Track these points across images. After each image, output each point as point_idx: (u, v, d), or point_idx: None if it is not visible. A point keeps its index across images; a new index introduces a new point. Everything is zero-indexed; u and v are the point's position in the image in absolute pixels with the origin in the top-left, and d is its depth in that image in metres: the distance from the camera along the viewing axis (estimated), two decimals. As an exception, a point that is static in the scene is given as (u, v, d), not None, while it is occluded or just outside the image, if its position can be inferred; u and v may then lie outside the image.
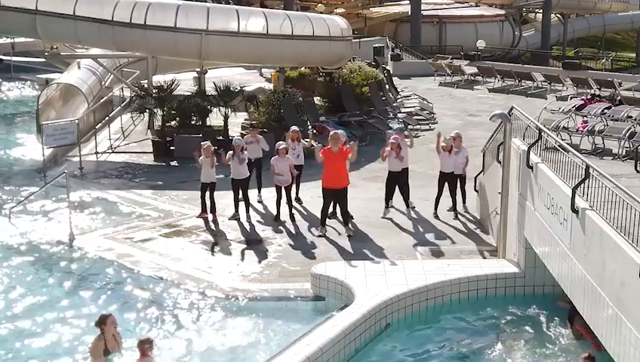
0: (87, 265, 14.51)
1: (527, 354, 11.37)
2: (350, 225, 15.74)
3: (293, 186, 17.23)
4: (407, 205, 16.73)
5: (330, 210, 15.99)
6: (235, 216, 16.51)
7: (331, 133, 16.05)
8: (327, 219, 15.87)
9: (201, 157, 16.49)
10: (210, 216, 16.53)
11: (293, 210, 16.70)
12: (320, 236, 15.47)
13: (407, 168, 16.84)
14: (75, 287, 13.60)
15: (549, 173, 11.82)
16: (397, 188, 16.68)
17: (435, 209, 16.57)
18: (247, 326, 12.17)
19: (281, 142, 16.77)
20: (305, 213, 16.97)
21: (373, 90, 26.12)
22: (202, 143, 16.73)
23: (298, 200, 17.54)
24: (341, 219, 15.99)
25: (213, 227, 16.23)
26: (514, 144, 13.57)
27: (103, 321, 11.03)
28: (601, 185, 10.09)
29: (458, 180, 16.71)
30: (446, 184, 16.62)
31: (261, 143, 17.69)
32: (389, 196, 16.72)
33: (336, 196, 15.61)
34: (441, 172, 16.63)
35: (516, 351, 11.49)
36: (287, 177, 16.38)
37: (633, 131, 19.45)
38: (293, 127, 18.06)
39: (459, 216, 16.57)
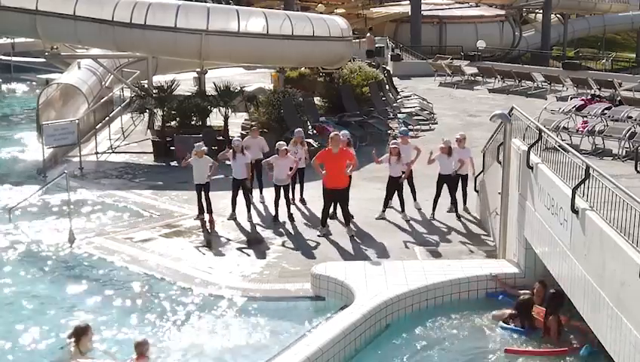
0: (87, 266, 14.51)
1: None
2: (352, 226, 15.74)
3: (295, 187, 17.24)
4: (403, 208, 16.70)
5: (331, 210, 16.01)
6: (233, 216, 16.50)
7: (331, 134, 16.07)
8: (328, 220, 15.88)
9: (190, 158, 16.41)
10: (206, 217, 16.51)
11: (296, 210, 16.67)
12: (321, 236, 15.47)
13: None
14: (75, 287, 13.60)
15: (549, 174, 11.82)
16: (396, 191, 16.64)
17: (433, 211, 16.55)
18: (247, 326, 12.17)
19: (282, 143, 16.76)
20: (307, 214, 16.98)
21: (373, 91, 26.10)
22: (195, 144, 16.68)
23: (302, 201, 17.53)
24: (342, 220, 16.00)
25: (213, 227, 16.23)
26: (514, 144, 13.57)
27: (84, 332, 10.56)
28: (601, 186, 10.10)
29: (460, 180, 16.70)
30: (445, 186, 16.61)
31: (261, 144, 17.68)
32: (388, 199, 16.67)
33: (337, 196, 15.62)
34: (439, 174, 16.59)
35: (516, 351, 11.49)
36: (286, 177, 16.38)
37: (633, 132, 19.44)
38: (297, 133, 17.71)
39: (460, 216, 16.57)
